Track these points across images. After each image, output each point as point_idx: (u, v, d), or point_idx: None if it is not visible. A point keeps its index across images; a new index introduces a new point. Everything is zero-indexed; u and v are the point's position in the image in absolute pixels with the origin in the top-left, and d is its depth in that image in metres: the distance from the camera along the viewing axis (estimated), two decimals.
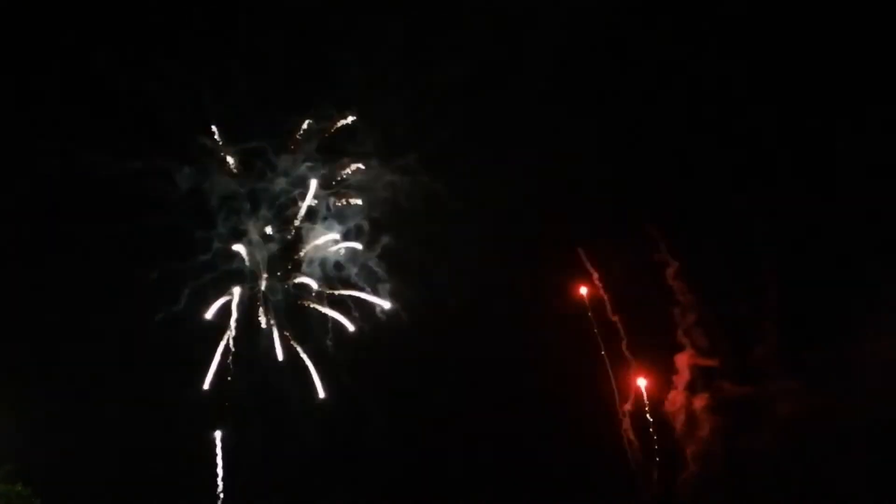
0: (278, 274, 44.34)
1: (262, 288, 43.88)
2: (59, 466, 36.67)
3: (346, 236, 44.65)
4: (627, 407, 42.81)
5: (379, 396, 42.16)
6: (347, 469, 42.57)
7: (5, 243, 38.02)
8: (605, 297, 41.93)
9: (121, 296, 40.18)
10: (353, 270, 44.39)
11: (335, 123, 42.12)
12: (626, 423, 43.03)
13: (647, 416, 42.41)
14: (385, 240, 43.84)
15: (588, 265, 42.14)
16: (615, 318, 42.04)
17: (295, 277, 44.58)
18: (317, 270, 44.55)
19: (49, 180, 38.10)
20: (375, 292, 43.74)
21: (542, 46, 39.27)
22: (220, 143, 41.54)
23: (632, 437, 43.21)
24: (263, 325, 43.19)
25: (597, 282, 42.05)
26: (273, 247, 44.18)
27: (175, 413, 40.16)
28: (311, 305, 43.76)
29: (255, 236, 43.93)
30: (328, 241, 44.64)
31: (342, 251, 44.55)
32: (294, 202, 43.85)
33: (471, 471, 43.30)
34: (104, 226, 39.28)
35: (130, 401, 39.12)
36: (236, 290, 43.23)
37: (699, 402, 41.33)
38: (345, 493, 41.74)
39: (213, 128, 41.07)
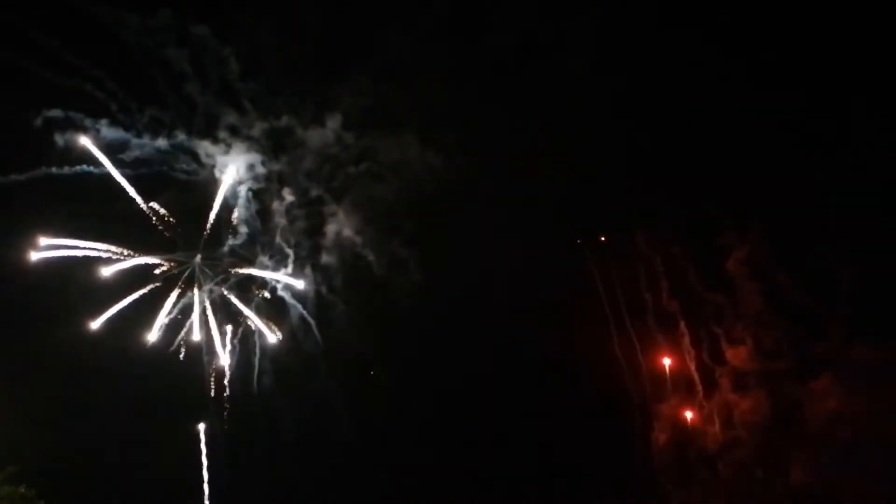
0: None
1: (290, 270, 41.97)
2: (62, 468, 36.33)
3: (373, 219, 42.87)
4: (674, 402, 41.27)
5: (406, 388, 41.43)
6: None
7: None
8: (664, 284, 39.88)
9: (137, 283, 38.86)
10: (372, 257, 42.55)
11: (370, 96, 39.72)
12: (670, 419, 41.56)
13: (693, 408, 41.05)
14: (416, 223, 42.14)
15: (646, 250, 40.01)
16: (672, 306, 40.05)
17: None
18: (336, 256, 42.85)
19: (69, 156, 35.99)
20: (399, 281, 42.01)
21: (593, 18, 36.94)
22: (248, 118, 39.21)
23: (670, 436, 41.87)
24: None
25: (656, 267, 39.89)
26: (299, 227, 42.32)
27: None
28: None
29: (281, 219, 42.01)
30: (352, 225, 42.78)
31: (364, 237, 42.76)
32: (322, 182, 41.88)
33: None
34: (124, 208, 37.65)
35: (136, 400, 38.65)
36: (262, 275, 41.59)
37: (753, 399, 39.51)
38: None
39: (241, 103, 38.79)
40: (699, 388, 41.00)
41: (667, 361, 41.79)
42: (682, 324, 40.24)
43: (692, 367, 40.65)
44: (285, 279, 41.33)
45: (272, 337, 41.18)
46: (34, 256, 36.99)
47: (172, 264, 39.86)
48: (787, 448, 39.54)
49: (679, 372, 41.37)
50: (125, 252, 38.29)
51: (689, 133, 37.21)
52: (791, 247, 37.30)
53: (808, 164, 35.63)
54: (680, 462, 42.06)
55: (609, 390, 41.42)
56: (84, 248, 37.28)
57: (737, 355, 39.50)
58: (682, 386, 41.43)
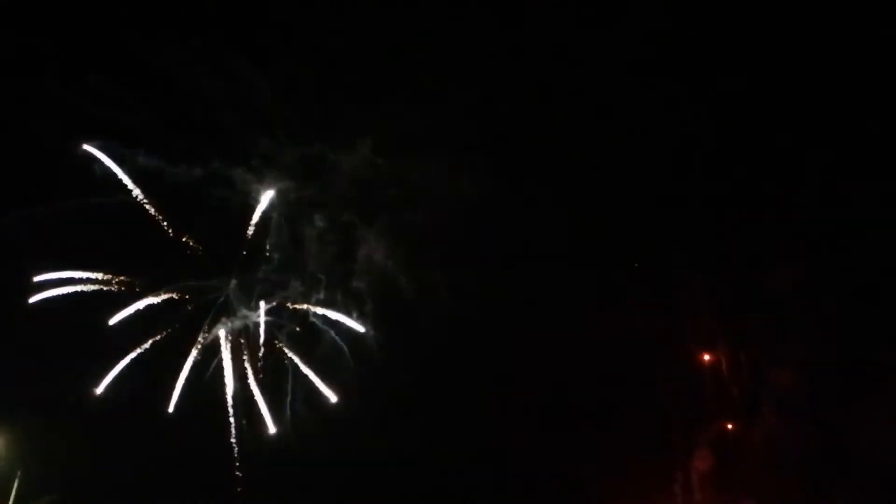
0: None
1: (321, 296, 41.68)
2: (99, 497, 36.61)
3: (405, 244, 42.58)
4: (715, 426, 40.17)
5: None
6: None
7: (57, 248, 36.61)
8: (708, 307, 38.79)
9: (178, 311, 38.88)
10: (405, 282, 42.17)
11: (402, 120, 39.49)
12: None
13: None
14: (449, 247, 41.75)
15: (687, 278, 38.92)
16: (715, 328, 38.94)
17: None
18: (368, 281, 42.51)
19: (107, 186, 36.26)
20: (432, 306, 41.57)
21: (628, 38, 36.43)
22: (281, 145, 39.27)
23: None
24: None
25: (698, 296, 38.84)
26: (331, 252, 42.08)
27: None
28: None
29: (313, 244, 41.81)
30: (384, 250, 42.54)
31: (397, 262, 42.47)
32: (354, 207, 41.70)
33: None
34: (159, 236, 37.96)
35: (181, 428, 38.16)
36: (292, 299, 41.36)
37: (797, 422, 38.10)
38: None
39: (275, 130, 38.88)
40: (741, 410, 39.79)
41: (707, 383, 40.67)
42: (724, 346, 39.08)
43: (734, 389, 39.47)
44: (346, 321, 41.06)
45: (332, 397, 40.74)
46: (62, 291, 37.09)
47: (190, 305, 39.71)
48: (832, 474, 38.09)
49: (720, 394, 40.22)
50: (161, 282, 38.44)
51: (728, 150, 36.53)
52: (837, 265, 35.99)
53: (852, 179, 34.58)
54: (720, 488, 40.75)
55: (648, 415, 40.30)
56: (118, 282, 37.42)
57: (780, 377, 38.22)
58: (723, 409, 40.25)
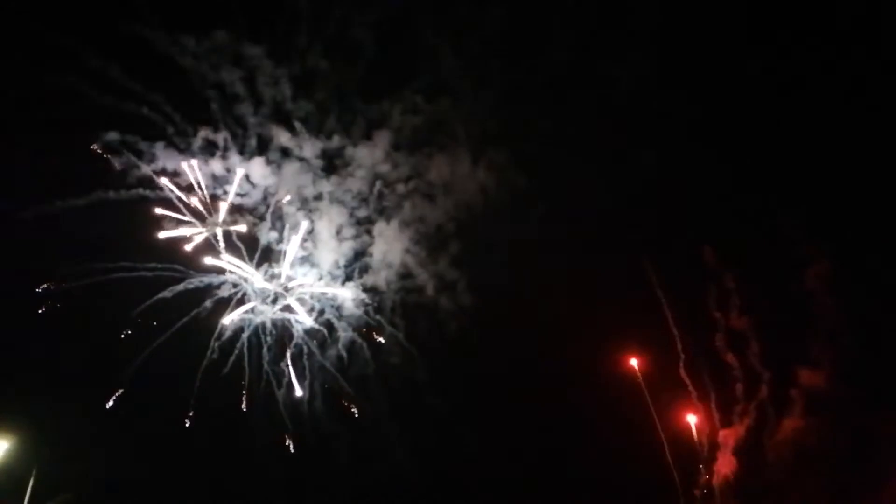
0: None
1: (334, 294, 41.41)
2: (114, 495, 36.46)
3: (421, 239, 42.30)
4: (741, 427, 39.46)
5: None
6: None
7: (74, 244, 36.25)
8: (736, 300, 37.87)
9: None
10: (422, 277, 41.92)
11: (421, 114, 39.35)
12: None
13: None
14: (468, 242, 41.57)
15: (715, 265, 38.03)
16: (743, 322, 38.06)
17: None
18: (385, 276, 42.22)
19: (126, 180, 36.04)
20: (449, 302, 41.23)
21: (651, 33, 35.80)
22: (299, 139, 38.86)
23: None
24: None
25: (729, 283, 37.94)
26: (346, 247, 41.72)
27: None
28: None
29: (331, 239, 41.49)
30: (400, 244, 42.26)
31: (414, 257, 42.20)
32: (372, 201, 41.36)
33: None
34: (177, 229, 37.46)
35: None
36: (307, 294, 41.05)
37: (826, 424, 37.23)
38: None
39: (293, 124, 38.47)
40: (769, 411, 38.89)
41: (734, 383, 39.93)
42: (752, 344, 38.15)
43: (763, 390, 38.53)
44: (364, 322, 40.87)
45: (354, 410, 40.71)
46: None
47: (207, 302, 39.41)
48: (859, 478, 37.20)
49: (748, 395, 39.37)
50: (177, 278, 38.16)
51: (755, 144, 35.76)
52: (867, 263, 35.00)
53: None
54: (745, 492, 40.01)
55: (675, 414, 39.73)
56: (140, 270, 37.14)
57: (810, 377, 37.31)
58: (750, 410, 39.39)
